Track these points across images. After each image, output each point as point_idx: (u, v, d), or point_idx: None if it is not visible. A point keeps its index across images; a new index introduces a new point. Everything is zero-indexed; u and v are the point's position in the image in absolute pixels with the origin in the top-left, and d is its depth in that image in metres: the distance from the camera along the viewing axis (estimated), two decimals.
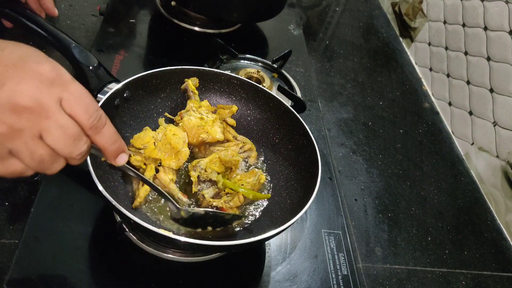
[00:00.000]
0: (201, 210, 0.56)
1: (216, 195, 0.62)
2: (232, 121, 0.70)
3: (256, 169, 0.66)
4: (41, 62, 0.37)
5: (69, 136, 0.37)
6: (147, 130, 0.61)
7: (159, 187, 0.55)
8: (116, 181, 0.58)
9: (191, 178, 0.61)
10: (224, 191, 0.62)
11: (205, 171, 0.62)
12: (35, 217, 0.58)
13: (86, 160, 0.49)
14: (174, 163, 0.60)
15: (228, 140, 0.68)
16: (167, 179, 0.59)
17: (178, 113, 0.68)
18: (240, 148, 0.68)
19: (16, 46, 0.37)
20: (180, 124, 0.65)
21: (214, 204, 0.60)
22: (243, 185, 0.62)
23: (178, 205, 0.56)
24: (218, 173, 0.63)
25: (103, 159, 0.45)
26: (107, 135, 0.41)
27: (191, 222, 0.56)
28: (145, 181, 0.54)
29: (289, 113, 0.67)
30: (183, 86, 0.68)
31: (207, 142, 0.66)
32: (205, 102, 0.69)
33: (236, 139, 0.69)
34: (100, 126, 0.40)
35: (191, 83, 0.68)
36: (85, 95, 0.39)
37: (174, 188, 0.60)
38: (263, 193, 0.64)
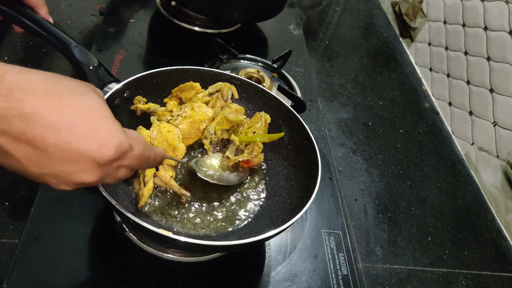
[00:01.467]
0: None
1: (238, 151, 0.67)
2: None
3: (258, 112, 0.69)
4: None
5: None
6: (141, 129, 0.61)
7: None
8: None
9: (205, 147, 0.66)
10: (242, 144, 0.66)
11: (215, 134, 0.65)
12: (35, 216, 0.58)
13: None
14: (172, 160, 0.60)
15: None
16: (167, 176, 0.59)
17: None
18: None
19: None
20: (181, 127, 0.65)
21: (240, 159, 0.64)
22: (255, 132, 0.66)
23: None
24: (228, 130, 0.67)
25: None
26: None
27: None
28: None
29: (289, 113, 0.67)
30: (138, 112, 0.65)
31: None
32: (168, 101, 0.68)
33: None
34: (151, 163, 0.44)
35: (141, 105, 0.65)
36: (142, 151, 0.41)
37: (175, 185, 0.60)
38: (261, 182, 0.67)
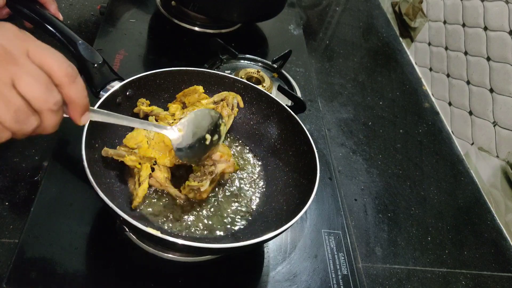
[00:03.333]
0: (187, 116, 0.56)
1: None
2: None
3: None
4: (4, 23, 0.37)
5: (42, 83, 0.37)
6: (139, 129, 0.61)
7: (152, 124, 0.54)
8: (112, 178, 0.58)
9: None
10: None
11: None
12: (35, 216, 0.58)
13: (81, 157, 0.49)
14: (168, 160, 0.60)
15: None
16: (162, 177, 0.59)
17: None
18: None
19: None
20: None
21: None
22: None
23: (168, 126, 0.54)
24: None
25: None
26: (80, 86, 0.40)
27: (194, 135, 0.56)
28: (137, 122, 0.51)
29: (291, 119, 0.67)
30: (141, 115, 0.65)
31: None
32: (171, 105, 0.67)
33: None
34: (74, 75, 0.39)
35: (144, 107, 0.65)
36: (51, 48, 0.39)
37: (170, 186, 0.60)
38: (259, 186, 0.66)
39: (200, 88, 0.67)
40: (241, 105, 0.70)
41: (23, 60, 0.36)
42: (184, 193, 0.60)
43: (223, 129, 0.60)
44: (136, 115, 0.65)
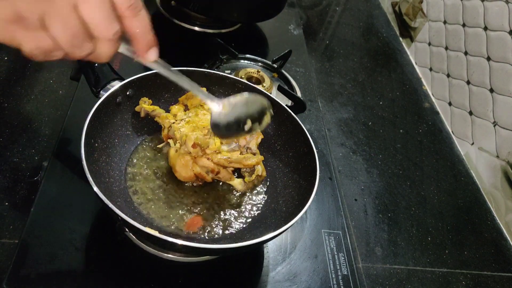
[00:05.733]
0: (238, 96, 0.54)
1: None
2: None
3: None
4: None
5: (104, 10, 0.35)
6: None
7: (201, 90, 0.52)
8: (112, 177, 0.58)
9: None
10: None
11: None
12: (35, 216, 0.58)
13: (81, 155, 0.49)
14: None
15: None
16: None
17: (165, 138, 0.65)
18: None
19: None
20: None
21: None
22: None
23: (217, 99, 0.52)
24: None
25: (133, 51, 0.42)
26: (144, 21, 0.39)
27: (233, 115, 0.53)
28: (187, 83, 0.49)
29: (292, 120, 0.67)
30: (142, 114, 0.65)
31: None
32: (173, 108, 0.67)
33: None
34: (139, 8, 0.37)
35: (146, 106, 0.65)
36: None
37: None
38: (259, 187, 0.66)
39: (203, 90, 0.67)
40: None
41: None
42: (251, 186, 0.65)
43: (267, 119, 0.58)
44: (136, 112, 0.65)
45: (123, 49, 0.41)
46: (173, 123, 0.64)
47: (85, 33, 0.35)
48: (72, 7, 0.34)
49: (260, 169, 0.63)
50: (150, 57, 0.42)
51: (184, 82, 0.48)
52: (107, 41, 0.37)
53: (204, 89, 0.59)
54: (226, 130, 0.53)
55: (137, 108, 0.65)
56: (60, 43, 0.35)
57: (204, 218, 0.60)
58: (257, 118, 0.55)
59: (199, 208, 0.60)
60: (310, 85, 0.98)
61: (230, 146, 0.64)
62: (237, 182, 0.64)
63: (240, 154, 0.62)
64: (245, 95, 0.54)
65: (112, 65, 0.66)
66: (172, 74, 0.47)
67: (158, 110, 0.65)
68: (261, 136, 0.66)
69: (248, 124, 0.55)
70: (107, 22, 0.35)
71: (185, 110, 0.68)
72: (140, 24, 0.38)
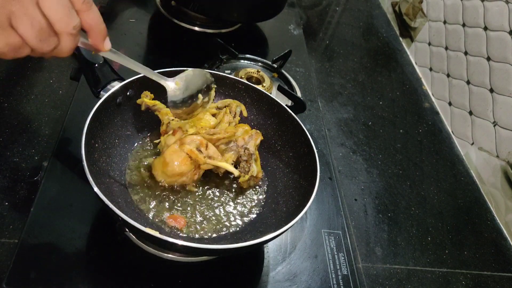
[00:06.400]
0: (185, 72, 0.58)
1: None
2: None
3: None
4: None
5: (64, 6, 0.38)
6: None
7: (154, 72, 0.56)
8: (112, 178, 0.58)
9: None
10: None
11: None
12: (35, 216, 0.58)
13: (81, 156, 0.49)
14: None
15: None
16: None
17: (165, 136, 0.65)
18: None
19: None
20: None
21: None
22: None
23: (172, 80, 0.57)
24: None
25: (89, 42, 0.45)
26: (96, 14, 0.42)
27: (187, 90, 0.58)
28: (141, 68, 0.53)
29: (292, 120, 0.67)
30: (143, 107, 0.65)
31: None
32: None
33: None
34: (90, 3, 0.41)
35: (148, 100, 0.65)
36: None
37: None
38: (259, 187, 0.66)
39: (156, 72, 0.67)
40: (245, 114, 0.70)
41: None
42: (245, 187, 0.64)
43: (213, 94, 0.63)
44: (136, 113, 0.65)
45: (81, 42, 0.44)
46: (172, 119, 0.64)
47: (49, 29, 0.38)
48: (36, 5, 0.37)
49: (255, 170, 0.63)
50: (106, 46, 0.46)
51: (137, 67, 0.53)
52: (69, 35, 0.40)
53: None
54: (182, 105, 0.58)
55: (138, 101, 0.65)
56: (27, 40, 0.38)
57: (204, 218, 0.60)
58: (205, 92, 0.61)
59: (199, 208, 0.60)
60: (310, 85, 0.98)
61: (228, 145, 0.64)
62: (229, 165, 0.62)
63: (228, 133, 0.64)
64: (192, 70, 0.59)
65: (112, 65, 0.66)
66: (126, 60, 0.51)
67: (159, 105, 0.65)
68: (260, 138, 0.66)
69: (200, 97, 0.60)
70: (67, 17, 0.39)
71: None
72: (94, 17, 0.42)
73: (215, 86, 0.63)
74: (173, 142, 0.61)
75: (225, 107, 0.69)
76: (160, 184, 0.61)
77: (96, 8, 0.42)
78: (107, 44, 0.46)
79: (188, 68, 0.59)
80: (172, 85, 0.57)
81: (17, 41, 0.38)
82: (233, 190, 0.65)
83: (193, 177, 0.61)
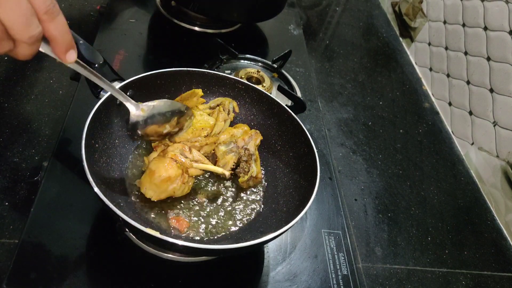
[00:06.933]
0: (156, 101, 0.58)
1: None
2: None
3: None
4: None
5: (22, 13, 0.36)
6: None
7: (120, 93, 0.54)
8: (112, 178, 0.58)
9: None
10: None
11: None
12: (35, 217, 0.58)
13: (81, 157, 0.49)
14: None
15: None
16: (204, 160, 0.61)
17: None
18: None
19: None
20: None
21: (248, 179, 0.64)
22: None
23: (135, 102, 0.56)
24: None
25: (51, 53, 0.43)
26: (61, 24, 0.40)
27: (151, 119, 0.57)
28: (108, 86, 0.52)
29: (292, 120, 0.67)
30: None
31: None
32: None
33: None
34: (55, 13, 0.39)
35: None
36: None
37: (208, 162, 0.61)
38: (259, 187, 0.66)
39: (199, 92, 0.67)
40: (237, 110, 0.70)
41: None
42: (245, 187, 0.64)
43: (187, 124, 0.62)
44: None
45: (46, 49, 0.42)
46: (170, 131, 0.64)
47: (3, 33, 0.37)
48: None
49: (255, 170, 0.63)
50: (68, 58, 0.43)
51: (104, 84, 0.51)
52: (24, 43, 0.38)
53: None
54: (141, 131, 0.57)
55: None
56: None
57: (204, 218, 0.60)
58: (177, 124, 0.60)
59: (199, 208, 0.60)
60: (310, 85, 0.98)
61: (228, 146, 0.64)
62: (218, 168, 0.61)
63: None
64: (163, 101, 0.59)
65: (112, 66, 0.66)
66: (92, 75, 0.49)
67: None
68: (260, 138, 0.66)
69: (167, 128, 0.59)
70: (24, 25, 0.37)
71: None
72: (57, 28, 0.40)
73: (191, 118, 0.62)
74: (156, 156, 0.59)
75: (217, 105, 0.69)
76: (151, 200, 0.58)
77: (62, 18, 0.41)
78: (70, 57, 0.43)
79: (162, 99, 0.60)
80: (134, 109, 0.56)
81: None
82: (234, 190, 0.65)
83: (183, 185, 0.57)
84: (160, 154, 0.58)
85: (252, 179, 0.64)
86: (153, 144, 0.61)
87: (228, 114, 0.69)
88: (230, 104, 0.69)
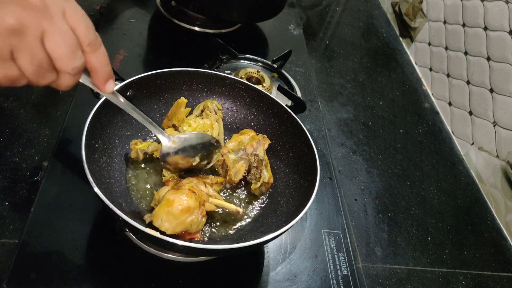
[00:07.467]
0: (188, 133, 0.61)
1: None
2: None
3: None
4: None
5: (69, 45, 0.38)
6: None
7: (155, 126, 0.56)
8: (112, 178, 0.58)
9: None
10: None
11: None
12: (35, 217, 0.58)
13: (81, 157, 0.49)
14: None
15: None
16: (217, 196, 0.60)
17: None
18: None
19: None
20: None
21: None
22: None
23: (167, 134, 0.58)
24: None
25: (91, 83, 0.45)
26: (102, 56, 0.42)
27: (182, 151, 0.59)
28: (134, 111, 0.53)
29: (292, 120, 0.67)
30: (141, 157, 0.62)
31: None
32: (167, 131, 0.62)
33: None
34: (98, 45, 0.41)
35: (139, 146, 0.62)
36: (85, 14, 0.40)
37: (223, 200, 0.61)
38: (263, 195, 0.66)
39: (184, 101, 0.66)
40: (219, 107, 0.70)
41: (58, 19, 0.37)
42: (257, 193, 0.64)
43: (216, 157, 0.63)
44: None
45: (85, 80, 0.44)
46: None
47: (49, 65, 0.38)
48: (40, 42, 0.37)
49: (266, 176, 0.63)
50: (107, 89, 0.45)
51: (139, 115, 0.54)
52: (68, 74, 0.40)
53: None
54: (173, 162, 0.59)
55: (132, 155, 0.62)
56: (26, 73, 0.38)
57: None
58: (206, 156, 0.62)
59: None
60: (310, 85, 0.98)
61: (237, 154, 0.64)
62: (231, 205, 0.59)
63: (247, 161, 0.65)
64: (195, 134, 0.61)
65: (112, 66, 0.66)
66: (127, 107, 0.52)
67: (153, 144, 0.63)
68: (268, 142, 0.66)
69: (196, 160, 0.61)
70: (69, 57, 0.39)
71: (176, 130, 0.66)
72: (98, 59, 0.42)
73: (220, 151, 0.63)
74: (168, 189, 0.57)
75: (202, 111, 0.68)
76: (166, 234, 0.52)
77: (103, 50, 0.42)
78: (109, 87, 0.45)
79: (193, 132, 0.61)
80: (167, 142, 0.58)
81: (15, 73, 0.38)
82: (234, 190, 0.65)
83: (200, 219, 0.54)
84: (173, 187, 0.56)
85: (264, 184, 0.64)
86: (163, 179, 0.61)
87: (216, 113, 0.68)
88: (213, 104, 0.69)
